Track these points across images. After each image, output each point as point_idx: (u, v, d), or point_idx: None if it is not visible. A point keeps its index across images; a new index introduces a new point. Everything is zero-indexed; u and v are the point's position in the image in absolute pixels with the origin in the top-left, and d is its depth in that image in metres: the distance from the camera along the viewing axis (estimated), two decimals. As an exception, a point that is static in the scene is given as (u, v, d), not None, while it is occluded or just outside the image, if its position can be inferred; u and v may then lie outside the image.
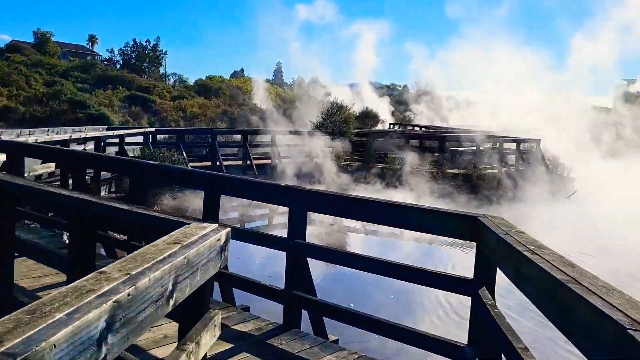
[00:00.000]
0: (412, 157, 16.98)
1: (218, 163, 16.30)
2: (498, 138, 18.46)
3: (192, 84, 56.99)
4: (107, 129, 15.64)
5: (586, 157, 22.89)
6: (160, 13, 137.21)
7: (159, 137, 17.19)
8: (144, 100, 42.57)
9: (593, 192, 17.17)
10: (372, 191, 14.80)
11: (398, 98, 57.42)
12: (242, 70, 74.23)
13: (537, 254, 2.34)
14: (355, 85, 44.62)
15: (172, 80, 66.28)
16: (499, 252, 2.86)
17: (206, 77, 57.91)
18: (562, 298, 1.89)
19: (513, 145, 18.39)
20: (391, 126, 37.56)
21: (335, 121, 17.70)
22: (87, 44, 73.50)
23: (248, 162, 17.18)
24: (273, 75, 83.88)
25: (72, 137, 11.96)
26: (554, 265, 2.15)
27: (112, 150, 13.73)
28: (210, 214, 4.98)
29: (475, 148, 17.76)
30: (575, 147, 25.17)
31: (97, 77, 44.80)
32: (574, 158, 19.98)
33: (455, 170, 16.54)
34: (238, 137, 19.35)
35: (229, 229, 2.54)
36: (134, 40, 67.27)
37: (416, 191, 14.99)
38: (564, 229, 12.90)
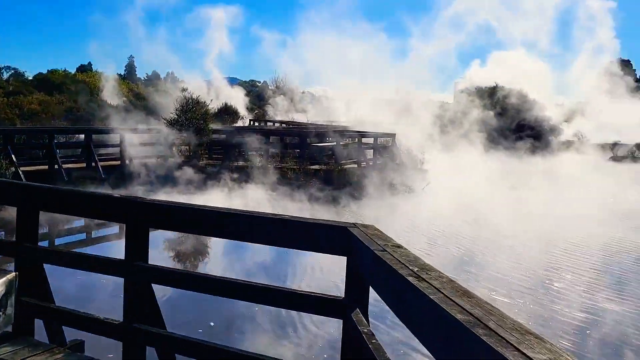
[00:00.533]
0: (272, 154, 16.59)
1: (57, 166, 14.44)
2: (356, 133, 18.75)
3: (30, 78, 51.42)
4: None
5: (435, 149, 24.42)
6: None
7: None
8: (-32, 96, 37.27)
9: (443, 183, 18.19)
10: (229, 192, 14.15)
11: (258, 94, 56.99)
12: (90, 64, 68.49)
13: (424, 280, 1.91)
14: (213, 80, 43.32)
15: (5, 75, 59.17)
16: (375, 273, 2.42)
17: (47, 71, 52.52)
18: (465, 347, 1.46)
19: (370, 140, 18.82)
20: (251, 122, 37.05)
21: (191, 118, 16.66)
22: None
23: (93, 164, 15.48)
24: (125, 70, 78.82)
25: None
26: (447, 296, 1.72)
27: None
28: (27, 235, 4.00)
29: (335, 143, 17.84)
30: (425, 140, 26.76)
31: None
32: (425, 151, 21.05)
33: (316, 167, 16.44)
34: (82, 136, 17.44)
35: (11, 275, 1.77)
36: (-46, 28, 59.02)
37: (277, 190, 14.62)
38: (416, 219, 13.39)
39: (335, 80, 47.95)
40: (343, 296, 3.01)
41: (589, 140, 37.85)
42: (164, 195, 13.86)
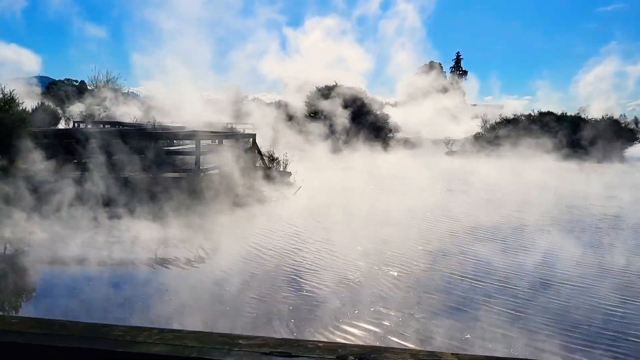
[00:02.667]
0: (121, 161, 13.70)
1: None
2: (216, 135, 16.46)
3: None
4: None
5: (288, 150, 23.13)
6: None
7: None
8: None
9: (309, 185, 16.95)
10: (54, 214, 11.10)
11: (79, 93, 50.63)
12: None
13: None
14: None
15: None
16: None
17: None
18: None
19: (230, 142, 16.69)
20: (76, 124, 32.38)
21: (3, 118, 12.81)
22: None
23: None
24: None
25: None
26: None
27: None
28: None
29: (193, 147, 15.43)
30: (279, 141, 25.36)
31: None
32: (279, 151, 19.52)
33: (175, 174, 13.92)
34: None
35: None
36: None
37: (126, 207, 11.91)
38: (297, 228, 11.79)
39: (161, 78, 44.19)
40: None
41: (421, 137, 39.92)
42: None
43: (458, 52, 74.34)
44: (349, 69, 45.51)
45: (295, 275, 7.99)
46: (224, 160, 15.38)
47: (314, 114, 37.72)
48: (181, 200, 12.47)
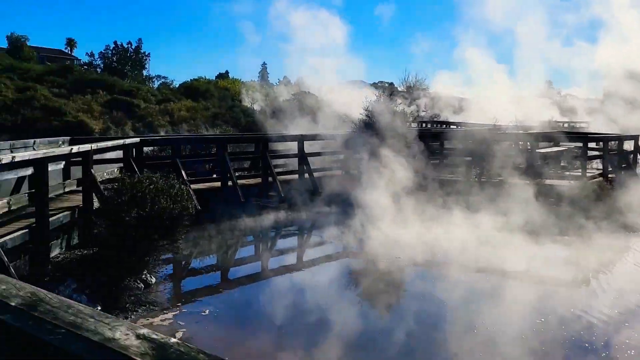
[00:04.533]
0: (487, 163, 12.66)
1: (230, 183, 11.75)
2: (598, 136, 14.09)
3: (177, 86, 52.56)
4: (71, 141, 10.70)
5: None
6: (140, 14, 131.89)
7: (145, 149, 12.40)
8: (127, 104, 37.78)
9: None
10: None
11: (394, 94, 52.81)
12: (227, 72, 69.35)
13: None
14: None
15: (156, 83, 61.43)
16: None
17: (192, 79, 53.23)
18: None
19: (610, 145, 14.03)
20: (421, 125, 33.30)
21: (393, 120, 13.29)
22: (66, 48, 68.09)
23: (270, 178, 12.64)
24: (258, 77, 79.50)
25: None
26: None
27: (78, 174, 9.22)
28: None
29: (565, 149, 13.47)
30: None
31: (75, 81, 39.57)
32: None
33: (551, 181, 12.23)
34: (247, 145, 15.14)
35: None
36: (115, 42, 62.35)
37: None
38: None
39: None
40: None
41: None
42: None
43: None
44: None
45: None
46: (606, 167, 12.97)
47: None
48: (580, 212, 10.68)
